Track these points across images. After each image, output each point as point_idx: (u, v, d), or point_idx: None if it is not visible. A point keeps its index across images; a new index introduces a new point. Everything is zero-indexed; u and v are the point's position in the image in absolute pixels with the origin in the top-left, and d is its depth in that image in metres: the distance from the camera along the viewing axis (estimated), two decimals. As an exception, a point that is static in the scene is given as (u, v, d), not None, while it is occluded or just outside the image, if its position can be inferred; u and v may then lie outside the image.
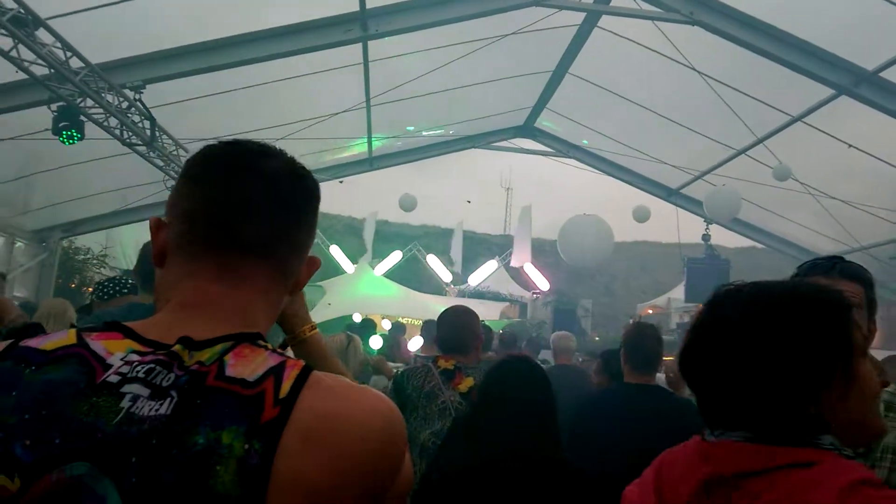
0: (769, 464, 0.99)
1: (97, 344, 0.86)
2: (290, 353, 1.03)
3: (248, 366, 0.84)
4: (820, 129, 7.88)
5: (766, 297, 1.09)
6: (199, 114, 7.31)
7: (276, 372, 0.84)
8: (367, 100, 8.35)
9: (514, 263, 18.62)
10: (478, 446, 2.30)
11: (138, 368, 0.83)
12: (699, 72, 7.30)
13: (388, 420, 0.87)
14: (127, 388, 0.81)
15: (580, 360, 7.70)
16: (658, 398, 3.23)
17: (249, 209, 0.94)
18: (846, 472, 0.94)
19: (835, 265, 1.73)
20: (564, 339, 6.28)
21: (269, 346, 0.90)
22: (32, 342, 0.87)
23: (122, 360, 0.83)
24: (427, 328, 6.56)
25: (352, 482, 0.81)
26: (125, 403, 0.80)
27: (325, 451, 0.80)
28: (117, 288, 3.32)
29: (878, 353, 6.45)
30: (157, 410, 0.79)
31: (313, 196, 1.02)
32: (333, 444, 0.80)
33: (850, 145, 7.70)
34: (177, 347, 0.84)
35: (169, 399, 0.80)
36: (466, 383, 2.99)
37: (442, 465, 2.44)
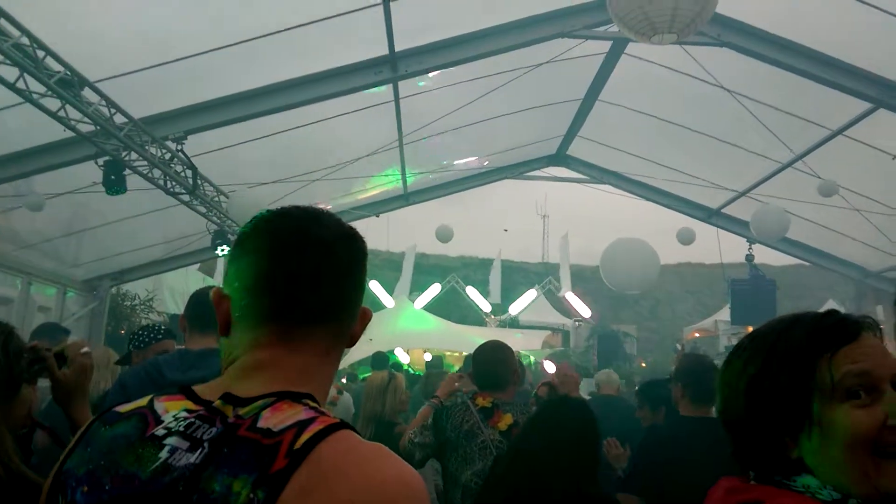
0: (734, 500, 1.04)
1: (160, 404, 0.93)
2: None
3: (279, 417, 0.87)
4: (862, 142, 7.71)
5: (749, 338, 1.14)
6: (238, 160, 7.53)
7: (301, 424, 0.86)
8: (400, 137, 8.49)
9: (556, 290, 18.53)
10: (522, 482, 2.30)
11: (182, 423, 0.88)
12: (729, 90, 7.23)
13: (394, 493, 0.83)
14: (168, 440, 0.87)
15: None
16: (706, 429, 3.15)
17: (307, 279, 0.98)
18: None
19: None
20: (606, 375, 6.47)
21: (314, 404, 0.92)
22: (119, 406, 0.97)
23: (173, 416, 0.89)
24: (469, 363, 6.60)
25: None
26: (163, 454, 0.85)
27: None
28: (152, 335, 3.38)
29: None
30: (189, 460, 0.84)
31: (364, 255, 1.07)
32: (323, 501, 0.79)
33: (894, 157, 7.49)
34: (217, 403, 0.89)
35: (201, 449, 0.85)
36: (505, 421, 2.96)
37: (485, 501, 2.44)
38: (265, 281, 0.98)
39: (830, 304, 15.16)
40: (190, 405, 0.91)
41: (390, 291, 18.18)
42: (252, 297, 0.98)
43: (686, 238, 10.08)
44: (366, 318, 1.09)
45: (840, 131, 7.71)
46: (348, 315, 1.04)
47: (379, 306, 17.44)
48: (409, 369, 13.75)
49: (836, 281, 12.88)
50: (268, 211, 1.05)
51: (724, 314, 16.11)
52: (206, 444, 0.85)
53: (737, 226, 10.87)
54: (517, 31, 6.86)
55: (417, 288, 19.03)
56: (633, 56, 7.76)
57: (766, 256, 12.10)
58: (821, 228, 10.29)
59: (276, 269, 0.98)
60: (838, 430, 1.01)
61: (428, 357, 14.88)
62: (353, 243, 1.05)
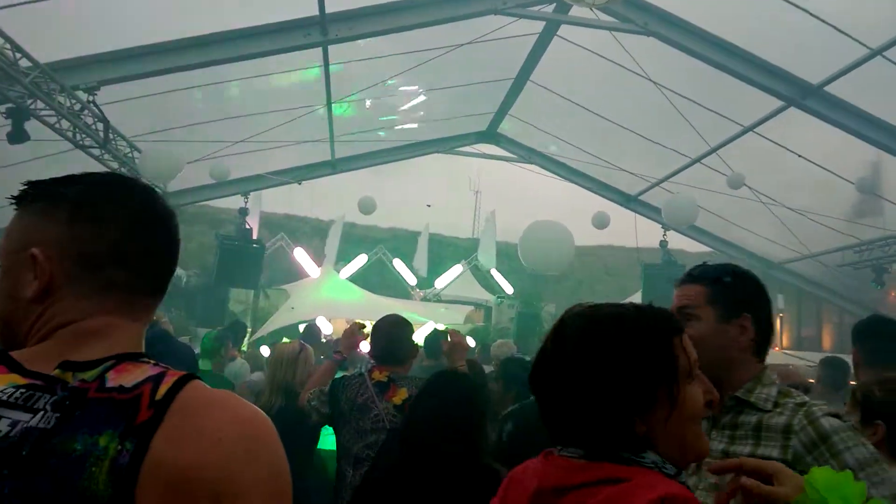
0: (585, 479, 1.03)
1: None
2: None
3: (127, 377, 0.91)
4: (771, 140, 8.10)
5: (596, 322, 1.13)
6: (153, 111, 7.23)
7: (155, 379, 0.90)
8: (329, 103, 8.36)
9: (480, 266, 18.72)
10: (408, 455, 2.37)
11: (19, 397, 0.87)
12: (654, 82, 7.45)
13: (252, 432, 0.91)
14: (7, 414, 0.86)
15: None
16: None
17: (158, 254, 1.04)
18: (654, 487, 0.97)
19: (690, 272, 1.83)
20: (502, 346, 6.45)
21: (153, 361, 0.96)
22: None
23: (1, 391, 0.88)
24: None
25: (203, 481, 0.84)
26: (3, 428, 0.84)
27: (185, 450, 0.85)
28: None
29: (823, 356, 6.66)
30: (35, 424, 0.85)
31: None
32: (193, 445, 0.85)
33: (800, 155, 7.92)
34: (56, 372, 0.90)
35: (42, 413, 0.86)
36: (400, 395, 3.00)
37: (377, 476, 2.49)
38: (115, 251, 0.98)
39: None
40: (17, 379, 0.90)
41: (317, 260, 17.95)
42: (94, 265, 0.98)
43: (601, 222, 10.39)
44: None
45: (752, 128, 8.08)
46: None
47: (303, 275, 17.18)
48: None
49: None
50: (111, 177, 1.06)
51: (637, 298, 16.72)
52: (49, 409, 0.86)
53: (653, 212, 11.28)
54: (451, 5, 6.85)
55: (344, 258, 18.83)
56: (566, 39, 7.87)
57: (682, 243, 12.62)
58: (729, 221, 10.82)
59: (128, 240, 0.99)
60: (688, 405, 1.10)
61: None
62: (177, 221, 1.09)
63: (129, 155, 7.12)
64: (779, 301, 12.98)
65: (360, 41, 7.02)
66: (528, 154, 11.41)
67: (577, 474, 1.05)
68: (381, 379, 3.07)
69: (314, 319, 14.07)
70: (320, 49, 6.96)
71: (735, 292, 1.73)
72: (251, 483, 0.87)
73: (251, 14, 6.23)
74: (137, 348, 0.98)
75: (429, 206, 18.11)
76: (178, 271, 14.85)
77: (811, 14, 6.02)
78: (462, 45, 7.40)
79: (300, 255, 17.90)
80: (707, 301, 1.73)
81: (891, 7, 5.73)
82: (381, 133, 10.60)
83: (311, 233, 20.85)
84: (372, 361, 3.33)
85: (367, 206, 10.37)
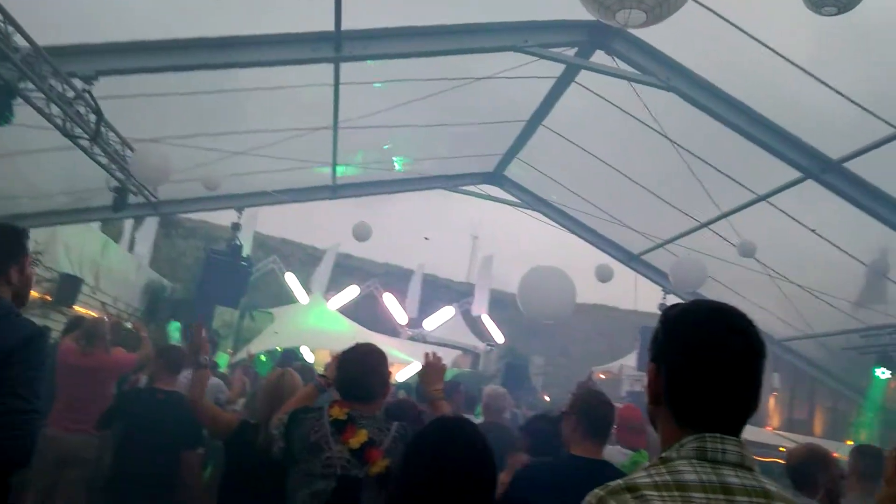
0: None
1: None
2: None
3: None
4: (784, 212, 7.87)
5: None
6: (150, 112, 6.99)
7: None
8: (335, 123, 8.13)
9: (473, 312, 18.38)
10: None
11: None
12: (670, 139, 7.25)
13: None
14: None
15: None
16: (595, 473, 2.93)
17: None
18: None
19: None
20: (495, 397, 5.81)
21: None
22: None
23: None
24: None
25: None
26: None
27: None
28: None
29: (824, 443, 6.24)
30: None
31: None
32: None
33: (813, 230, 7.67)
34: None
35: None
36: (359, 438, 2.58)
37: None
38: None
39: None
40: None
41: (306, 287, 17.62)
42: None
43: (604, 275, 10.10)
44: None
45: (766, 196, 7.85)
46: None
47: (291, 300, 16.86)
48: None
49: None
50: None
51: (630, 360, 16.34)
52: None
53: (654, 273, 11.01)
54: (472, 36, 6.67)
55: (335, 288, 18.51)
56: (583, 86, 7.70)
57: (679, 310, 12.32)
58: (732, 290, 10.52)
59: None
60: None
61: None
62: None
63: (121, 153, 6.84)
64: (775, 380, 12.60)
65: (370, 63, 6.84)
66: (532, 201, 11.19)
67: None
68: (340, 417, 2.65)
69: (295, 347, 13.71)
70: (332, 67, 6.76)
71: (655, 333, 1.49)
72: None
73: (266, 23, 6.04)
74: None
75: (426, 238, 17.86)
76: (162, 281, 14.52)
77: (837, 92, 5.85)
78: (478, 79, 7.22)
79: (291, 280, 17.59)
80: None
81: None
82: (396, 168, 10.38)
83: (306, 260, 20.58)
84: (335, 395, 2.95)
85: (362, 233, 10.09)
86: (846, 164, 6.76)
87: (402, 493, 1.98)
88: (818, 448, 3.45)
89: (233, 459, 3.57)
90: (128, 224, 14.24)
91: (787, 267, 8.80)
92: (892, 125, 5.90)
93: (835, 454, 4.01)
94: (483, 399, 6.00)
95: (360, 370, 2.82)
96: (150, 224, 15.24)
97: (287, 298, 17.11)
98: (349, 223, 14.39)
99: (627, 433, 4.46)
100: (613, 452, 3.98)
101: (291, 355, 9.45)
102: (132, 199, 7.69)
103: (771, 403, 12.79)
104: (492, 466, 2.02)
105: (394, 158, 10.18)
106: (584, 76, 7.49)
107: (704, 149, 7.56)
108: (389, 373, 2.95)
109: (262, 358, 12.85)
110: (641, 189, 8.91)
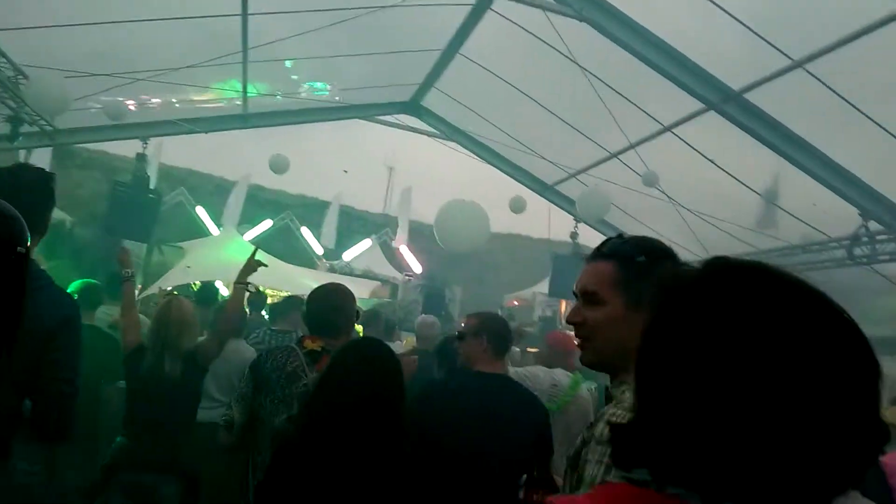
0: None
1: None
2: None
3: None
4: (687, 142, 8.25)
5: None
6: (51, 41, 6.48)
7: None
8: (245, 50, 7.80)
9: (393, 243, 18.47)
10: (316, 426, 2.22)
11: None
12: (583, 67, 7.40)
13: None
14: None
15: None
16: (508, 386, 3.17)
17: None
18: None
19: (600, 247, 1.64)
20: (427, 326, 6.42)
21: None
22: None
23: None
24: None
25: None
26: None
27: None
28: None
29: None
30: None
31: None
32: None
33: (712, 161, 8.11)
34: None
35: None
36: None
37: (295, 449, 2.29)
38: None
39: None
40: None
41: (217, 220, 17.11)
42: None
43: (518, 206, 10.37)
44: None
45: (671, 128, 8.19)
46: None
47: (203, 233, 16.36)
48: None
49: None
50: None
51: (543, 286, 16.99)
52: None
53: (567, 203, 11.37)
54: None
55: (248, 221, 18.07)
56: (500, 14, 7.68)
57: (591, 238, 12.84)
58: (637, 220, 11.04)
59: None
60: None
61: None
62: None
63: (13, 80, 6.35)
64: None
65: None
66: (450, 131, 11.20)
67: None
68: (315, 348, 2.89)
69: (212, 281, 13.41)
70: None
71: (649, 276, 1.50)
72: None
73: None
74: None
75: (345, 171, 17.63)
76: (61, 216, 13.73)
77: (738, 20, 6.09)
78: (391, 6, 7.07)
79: (201, 213, 17.05)
80: (615, 283, 1.52)
81: (815, 21, 5.86)
82: (301, 94, 10.05)
83: (215, 191, 19.90)
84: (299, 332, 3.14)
85: (279, 165, 9.85)
86: (746, 95, 7.12)
87: (320, 403, 2.27)
88: None
89: (128, 379, 3.84)
90: (21, 155, 13.29)
91: (687, 195, 9.28)
92: (788, 56, 6.23)
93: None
94: (416, 329, 6.56)
95: (325, 307, 3.04)
96: (43, 155, 14.26)
97: (198, 232, 16.59)
98: (261, 154, 13.95)
99: (564, 357, 4.69)
100: (559, 374, 4.23)
101: (211, 291, 9.23)
102: (26, 128, 7.19)
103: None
104: (400, 387, 2.33)
105: (306, 84, 9.90)
106: (500, 4, 7.47)
107: (616, 79, 7.77)
108: (358, 310, 3.16)
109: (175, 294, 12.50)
110: (556, 119, 9.08)
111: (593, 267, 1.59)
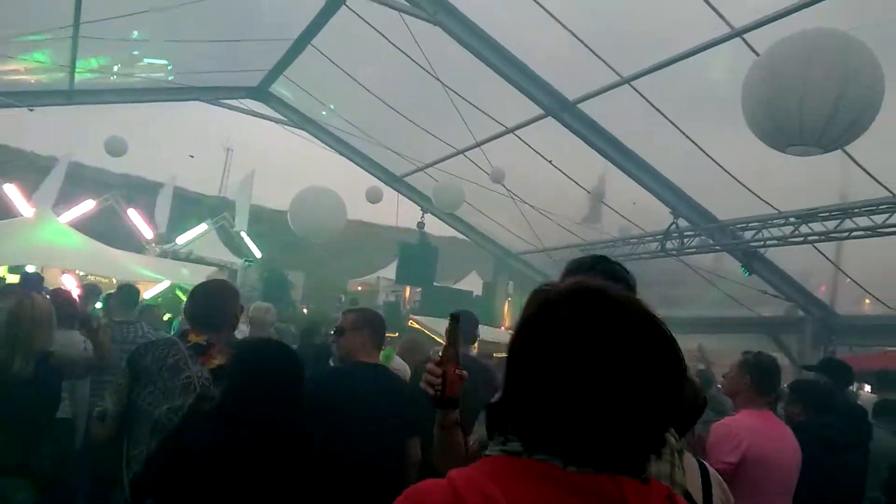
0: None
1: None
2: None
3: None
4: (527, 143, 8.90)
5: None
6: None
7: None
8: (76, 24, 7.21)
9: (234, 227, 17.83)
10: (229, 424, 2.29)
11: None
12: (432, 73, 7.71)
13: None
14: None
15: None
16: (383, 375, 3.44)
17: None
18: None
19: (596, 265, 1.79)
20: (261, 311, 6.09)
21: None
22: None
23: None
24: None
25: None
26: None
27: None
28: None
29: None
30: None
31: None
32: None
33: (550, 161, 8.82)
34: None
35: None
36: (219, 360, 2.85)
37: (187, 443, 2.31)
38: None
39: (474, 276, 17.39)
40: None
41: (30, 199, 15.47)
42: None
43: (374, 196, 10.60)
44: None
45: (513, 129, 8.80)
46: None
47: (13, 214, 14.73)
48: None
49: (483, 256, 14.85)
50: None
51: (387, 272, 17.33)
52: None
53: (415, 194, 11.75)
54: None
55: (66, 201, 16.52)
56: (354, 11, 7.77)
57: (431, 227, 13.35)
58: (481, 212, 11.69)
59: None
60: None
61: (68, 279, 13.04)
62: None
63: None
64: (510, 287, 14.42)
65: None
66: (299, 119, 11.07)
67: None
68: (199, 341, 2.89)
69: (24, 267, 12.17)
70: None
71: None
72: None
73: None
74: None
75: (192, 156, 16.69)
76: None
77: (575, 36, 6.72)
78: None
79: (10, 192, 15.33)
80: None
81: (647, 39, 6.61)
82: (139, 72, 9.42)
83: (27, 167, 17.95)
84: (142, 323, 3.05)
85: (116, 148, 9.18)
86: (579, 105, 7.85)
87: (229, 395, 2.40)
88: None
89: None
90: None
91: (526, 191, 10.01)
92: (617, 73, 6.97)
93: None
94: (250, 315, 6.09)
95: (210, 303, 3.05)
96: None
97: (6, 212, 14.92)
98: (83, 129, 12.81)
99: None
100: None
101: (34, 279, 8.37)
102: None
103: (505, 307, 14.61)
104: (298, 375, 2.52)
105: (145, 61, 9.30)
106: (355, 2, 7.55)
107: (463, 83, 8.18)
108: (242, 307, 3.20)
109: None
110: (403, 118, 9.37)
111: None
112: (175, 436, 2.44)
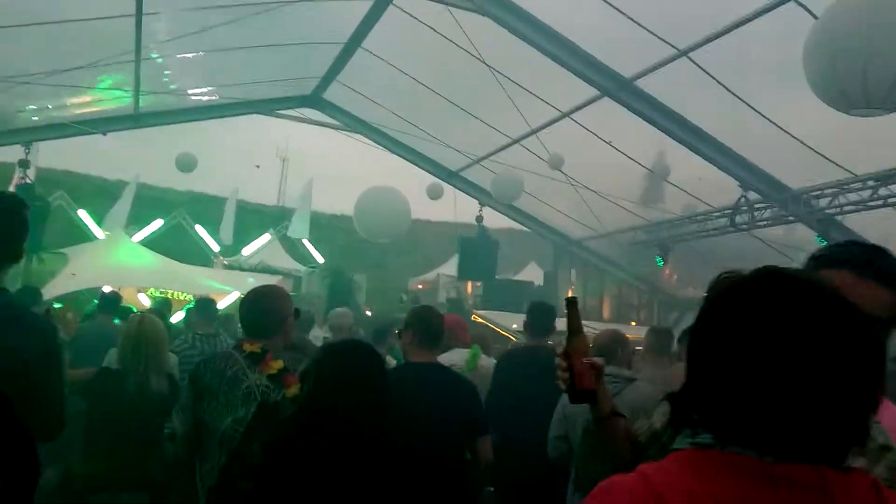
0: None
1: None
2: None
3: None
4: (584, 126, 8.76)
5: None
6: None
7: None
8: (138, 50, 7.47)
9: (293, 234, 18.18)
10: (314, 425, 2.27)
11: None
12: (483, 61, 7.67)
13: None
14: None
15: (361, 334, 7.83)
16: (446, 374, 3.43)
17: None
18: None
19: (871, 261, 1.42)
20: (341, 316, 6.29)
21: None
22: None
23: None
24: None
25: None
26: None
27: None
28: None
29: (613, 324, 7.43)
30: None
31: None
32: None
33: (609, 143, 8.66)
34: None
35: None
36: (276, 365, 2.84)
37: (265, 443, 2.34)
38: None
39: (533, 266, 17.25)
40: None
41: (100, 223, 16.18)
42: None
43: (435, 192, 10.64)
44: None
45: (569, 113, 8.67)
46: None
47: (88, 238, 15.42)
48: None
49: (544, 245, 14.70)
50: None
51: (446, 268, 17.35)
52: None
53: (472, 188, 11.74)
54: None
55: (136, 222, 17.17)
56: (401, 9, 7.79)
57: (486, 220, 13.29)
58: (538, 200, 11.58)
59: None
60: None
61: (143, 298, 13.57)
62: None
63: None
64: (572, 274, 14.25)
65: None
66: (353, 123, 11.20)
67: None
68: (255, 350, 2.87)
69: (100, 287, 12.69)
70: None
71: None
72: None
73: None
74: None
75: (257, 167, 17.12)
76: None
77: (628, 17, 6.57)
78: (286, 2, 7.02)
79: (82, 216, 16.07)
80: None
81: (700, 10, 6.41)
82: (197, 93, 9.71)
83: (96, 192, 18.74)
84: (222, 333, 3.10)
85: (186, 164, 9.48)
86: (636, 82, 7.67)
87: (312, 399, 2.35)
88: (617, 332, 4.22)
89: (95, 407, 3.77)
90: None
91: (585, 175, 9.86)
92: (674, 47, 6.79)
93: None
94: (330, 321, 6.37)
95: (256, 309, 3.03)
96: None
97: (80, 236, 15.62)
98: (148, 151, 13.26)
99: (458, 337, 4.95)
100: (453, 355, 4.48)
101: (112, 299, 8.69)
102: None
103: (569, 294, 14.45)
104: (383, 377, 2.47)
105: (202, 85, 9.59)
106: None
107: (515, 70, 8.10)
108: (297, 310, 3.14)
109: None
110: (458, 109, 9.34)
111: (865, 287, 1.40)
112: (244, 442, 2.47)
